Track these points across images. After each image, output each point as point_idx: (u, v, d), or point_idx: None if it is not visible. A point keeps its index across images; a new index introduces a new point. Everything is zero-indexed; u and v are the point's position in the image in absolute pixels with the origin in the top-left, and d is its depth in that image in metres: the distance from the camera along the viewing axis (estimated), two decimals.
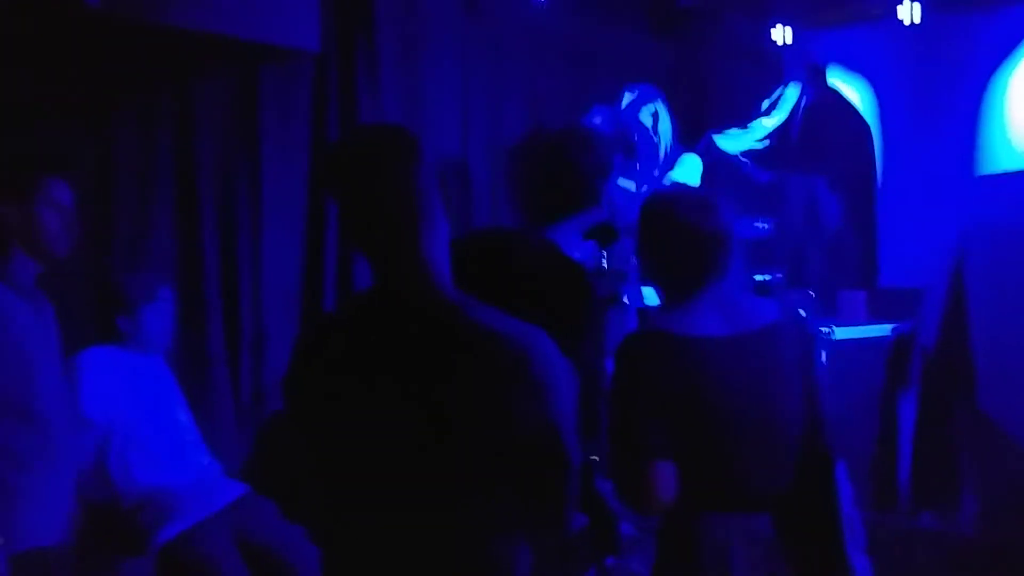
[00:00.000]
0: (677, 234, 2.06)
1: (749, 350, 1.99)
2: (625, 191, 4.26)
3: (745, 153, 5.30)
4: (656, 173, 4.31)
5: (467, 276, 1.65)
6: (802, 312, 2.27)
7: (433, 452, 1.53)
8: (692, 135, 5.14)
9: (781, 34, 5.42)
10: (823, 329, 4.19)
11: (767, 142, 5.38)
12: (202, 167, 3.92)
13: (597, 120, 4.46)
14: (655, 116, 4.33)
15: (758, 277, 4.40)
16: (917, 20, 5.01)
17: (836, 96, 5.65)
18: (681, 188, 2.26)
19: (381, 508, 1.59)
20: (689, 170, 4.34)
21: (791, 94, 5.52)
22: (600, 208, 2.34)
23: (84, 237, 2.61)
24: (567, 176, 2.27)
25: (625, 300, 4.25)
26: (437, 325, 1.56)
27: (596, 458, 2.27)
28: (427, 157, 1.61)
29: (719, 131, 5.30)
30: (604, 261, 4.43)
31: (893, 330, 4.04)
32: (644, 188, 4.08)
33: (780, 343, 2.03)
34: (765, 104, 5.48)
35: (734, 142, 5.29)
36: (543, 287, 2.03)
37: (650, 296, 4.33)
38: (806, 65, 5.62)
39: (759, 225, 4.64)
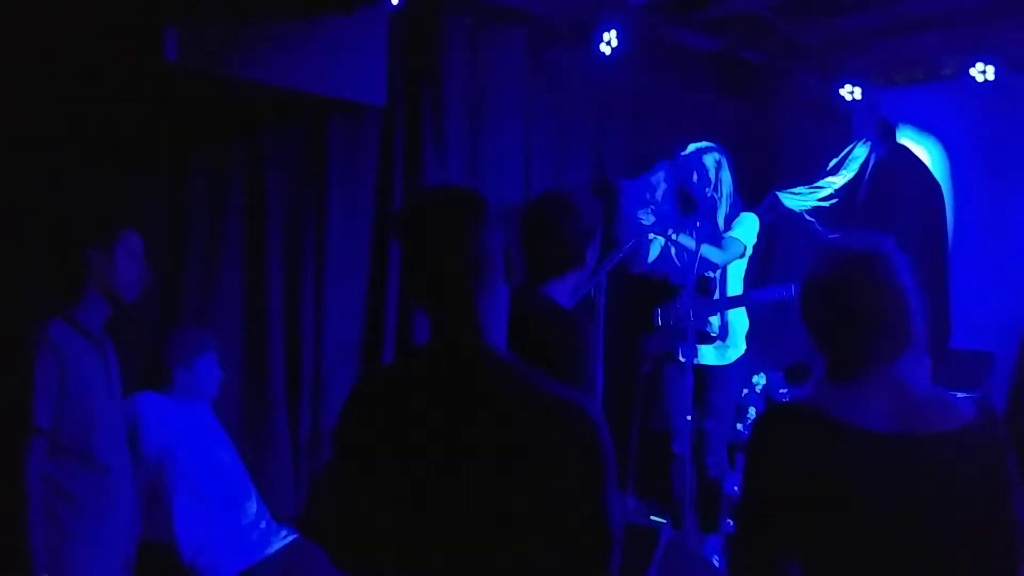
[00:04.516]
0: (838, 288, 1.72)
1: (920, 456, 1.64)
2: (684, 248, 4.24)
3: (811, 211, 5.24)
4: (716, 229, 4.28)
5: None
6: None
7: (481, 511, 1.54)
8: (758, 193, 5.11)
9: (850, 92, 5.37)
10: None
11: (834, 200, 5.30)
12: (270, 216, 4.03)
13: (660, 175, 4.46)
14: (718, 164, 4.32)
15: None
16: (991, 78, 4.93)
17: (906, 154, 5.56)
18: (853, 234, 1.81)
19: (426, 559, 1.60)
20: (747, 229, 4.30)
21: (860, 152, 5.45)
22: (586, 268, 2.49)
23: (157, 283, 2.72)
24: (553, 240, 2.44)
25: (681, 358, 4.23)
26: (488, 385, 1.59)
27: None
28: (494, 222, 1.66)
29: (785, 189, 5.25)
30: (658, 318, 4.43)
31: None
32: (703, 245, 4.04)
33: (965, 455, 1.66)
34: (832, 162, 5.42)
35: (800, 200, 5.24)
36: (545, 336, 2.10)
37: (706, 354, 4.29)
38: (876, 123, 5.56)
39: None
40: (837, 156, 5.45)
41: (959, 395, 3.41)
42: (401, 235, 1.68)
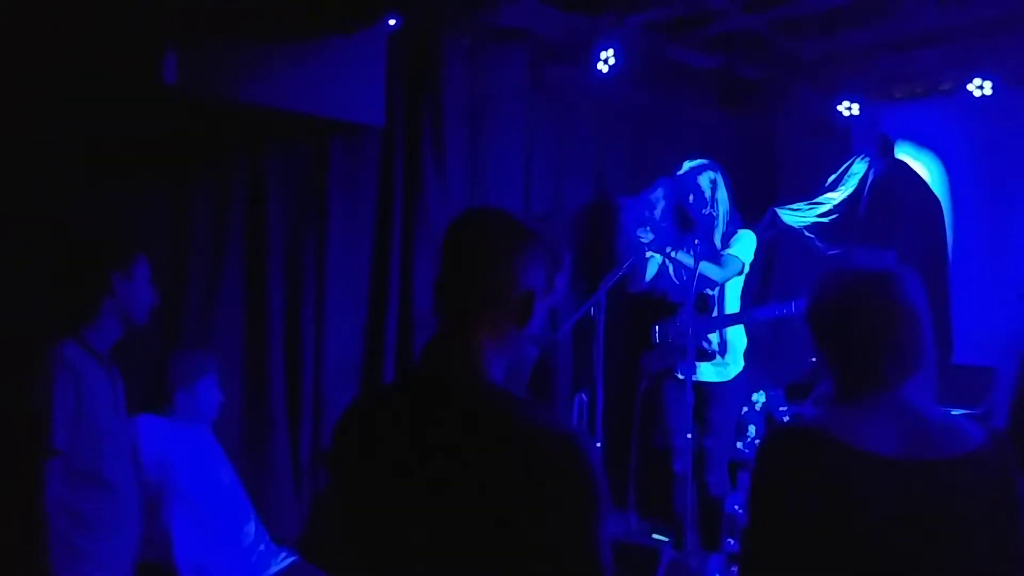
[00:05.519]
0: (852, 309, 1.69)
1: (928, 482, 1.61)
2: (682, 265, 4.25)
3: (810, 227, 5.25)
4: (714, 247, 4.28)
5: None
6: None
7: (470, 536, 1.53)
8: (758, 209, 5.12)
9: (849, 108, 5.38)
10: None
11: (833, 216, 5.31)
12: (271, 235, 4.04)
13: (659, 192, 4.47)
14: (713, 183, 4.33)
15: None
16: (988, 93, 4.94)
17: (905, 170, 5.57)
18: (858, 253, 1.80)
19: None
20: (745, 246, 4.31)
21: (858, 168, 5.47)
22: (555, 296, 2.50)
23: (158, 304, 2.73)
24: None
25: (680, 376, 4.23)
26: (479, 412, 1.58)
27: None
28: (533, 262, 1.66)
29: (784, 205, 5.26)
30: (656, 335, 4.43)
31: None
32: (701, 263, 4.05)
33: (974, 481, 1.62)
34: (831, 178, 5.43)
35: (799, 216, 5.25)
36: None
37: (705, 371, 4.29)
38: (875, 138, 5.57)
39: None
40: (836, 172, 5.46)
41: (962, 413, 3.40)
42: (451, 234, 1.69)
